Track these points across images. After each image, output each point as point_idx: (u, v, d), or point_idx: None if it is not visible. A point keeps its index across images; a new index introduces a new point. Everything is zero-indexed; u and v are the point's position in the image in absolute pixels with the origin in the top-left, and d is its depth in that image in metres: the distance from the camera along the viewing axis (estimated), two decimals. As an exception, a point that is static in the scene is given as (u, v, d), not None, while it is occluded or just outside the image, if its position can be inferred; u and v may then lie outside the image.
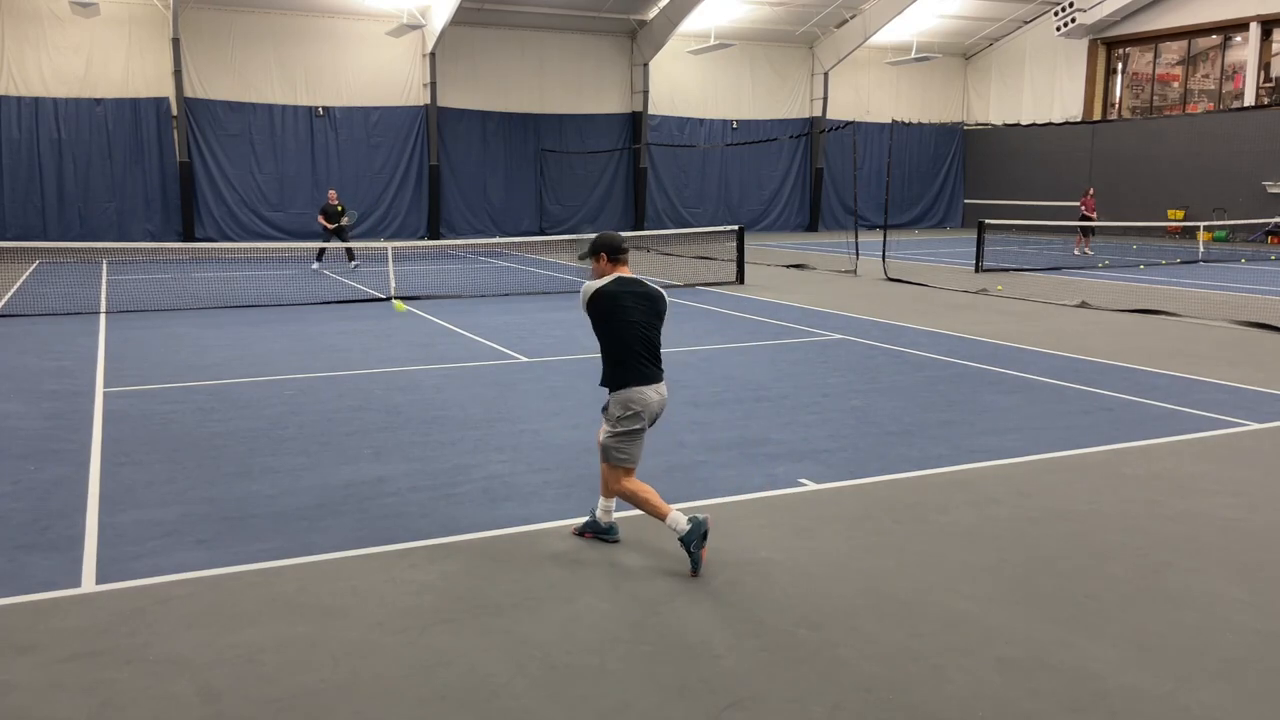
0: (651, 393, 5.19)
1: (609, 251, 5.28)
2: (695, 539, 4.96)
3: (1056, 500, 6.21)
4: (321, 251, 22.09)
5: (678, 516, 5.02)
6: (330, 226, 21.50)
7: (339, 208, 21.63)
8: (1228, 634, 4.40)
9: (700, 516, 5.00)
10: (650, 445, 7.29)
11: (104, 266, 22.52)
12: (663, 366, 5.34)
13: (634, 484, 5.20)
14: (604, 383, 5.26)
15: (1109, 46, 35.94)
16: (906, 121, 30.15)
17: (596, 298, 5.17)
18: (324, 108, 30.89)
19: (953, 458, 7.12)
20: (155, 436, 7.69)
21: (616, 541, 5.41)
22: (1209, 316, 14.24)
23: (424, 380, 9.85)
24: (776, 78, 37.50)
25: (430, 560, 5.22)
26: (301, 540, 5.49)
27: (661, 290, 5.36)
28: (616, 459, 5.20)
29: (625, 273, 5.32)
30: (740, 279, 18.95)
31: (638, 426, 5.18)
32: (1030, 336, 12.53)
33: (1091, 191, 27.57)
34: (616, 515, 5.50)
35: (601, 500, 5.43)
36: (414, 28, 29.13)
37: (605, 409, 5.30)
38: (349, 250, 21.99)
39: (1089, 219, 26.61)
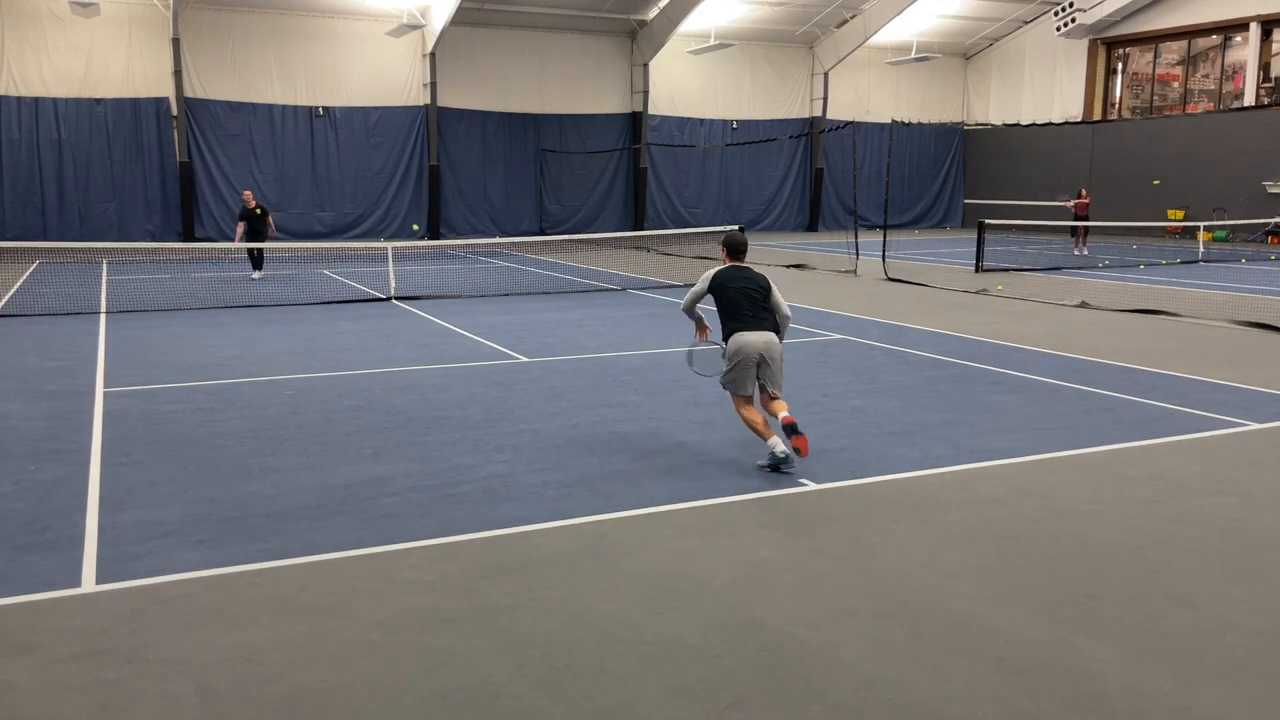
0: (752, 336, 6.83)
1: (729, 249, 7.21)
2: (772, 464, 6.65)
3: (1056, 500, 6.20)
4: (251, 254, 20.02)
5: (775, 442, 6.62)
6: (244, 229, 19.51)
7: (257, 210, 19.55)
8: (1228, 634, 4.39)
9: (781, 454, 6.56)
10: (650, 445, 7.36)
11: (104, 266, 22.51)
12: (769, 321, 6.96)
13: (749, 411, 6.90)
14: (722, 337, 7.03)
15: (1109, 46, 35.93)
16: (906, 121, 30.09)
17: (712, 282, 7.04)
18: (324, 108, 30.88)
19: (953, 458, 7.12)
20: (155, 436, 7.69)
21: (791, 471, 6.64)
22: (1209, 316, 14.23)
23: (424, 380, 9.85)
24: (776, 78, 37.49)
25: (430, 560, 5.22)
26: (301, 540, 5.49)
27: (762, 274, 7.15)
28: (730, 388, 6.98)
29: (739, 263, 7.17)
30: (740, 279, 18.91)
31: (740, 361, 6.84)
32: (1030, 336, 12.53)
33: (1083, 192, 27.46)
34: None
35: (767, 442, 6.72)
36: (414, 28, 29.12)
37: (723, 354, 7.04)
38: (259, 256, 19.97)
39: (1081, 219, 26.59)
